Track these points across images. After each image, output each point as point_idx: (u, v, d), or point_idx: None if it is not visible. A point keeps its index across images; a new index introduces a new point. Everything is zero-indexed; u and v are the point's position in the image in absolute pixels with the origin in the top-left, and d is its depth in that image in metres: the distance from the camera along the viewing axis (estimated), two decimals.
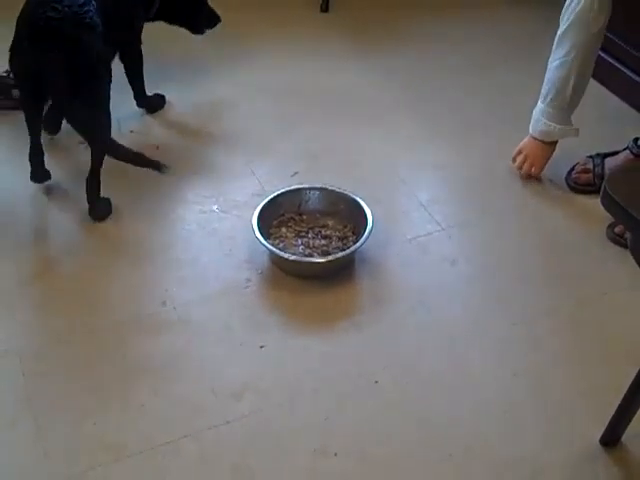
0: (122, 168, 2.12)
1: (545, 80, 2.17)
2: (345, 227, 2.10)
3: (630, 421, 1.55)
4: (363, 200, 2.08)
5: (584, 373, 1.78)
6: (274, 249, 1.98)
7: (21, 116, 2.12)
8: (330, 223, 2.11)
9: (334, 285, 1.98)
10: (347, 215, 2.11)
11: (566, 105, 2.16)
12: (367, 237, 2.00)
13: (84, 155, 2.15)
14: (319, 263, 1.99)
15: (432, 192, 2.29)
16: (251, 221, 2.02)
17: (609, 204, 1.33)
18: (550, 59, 2.15)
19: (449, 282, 2.01)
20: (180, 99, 2.59)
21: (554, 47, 2.13)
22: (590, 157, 2.28)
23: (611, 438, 1.58)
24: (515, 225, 2.17)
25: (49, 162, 2.22)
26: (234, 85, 2.67)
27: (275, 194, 2.12)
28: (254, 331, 1.86)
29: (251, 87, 2.66)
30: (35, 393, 1.70)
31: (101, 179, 2.10)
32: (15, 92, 2.47)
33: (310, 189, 2.15)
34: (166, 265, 2.02)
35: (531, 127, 2.23)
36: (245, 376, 1.76)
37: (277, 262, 2.02)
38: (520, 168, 2.27)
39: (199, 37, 2.56)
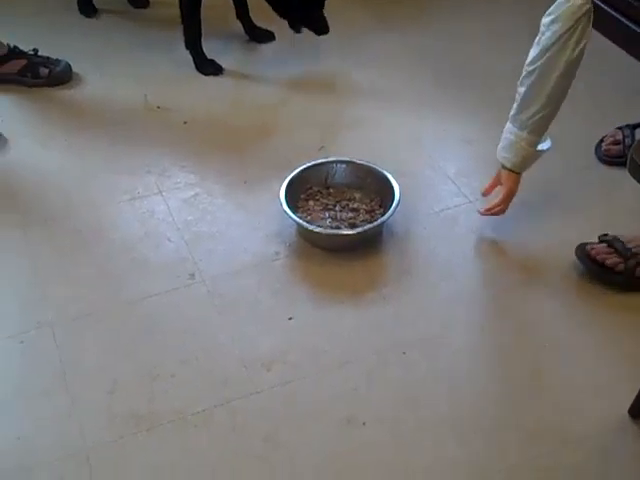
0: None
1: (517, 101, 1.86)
2: (372, 200, 2.10)
3: None
4: (390, 174, 2.08)
5: (612, 341, 1.77)
6: (302, 222, 1.99)
7: (49, 92, 2.14)
8: (357, 196, 2.11)
9: (362, 258, 1.98)
10: (374, 188, 2.11)
11: (540, 128, 1.87)
12: (394, 210, 2.00)
13: None
14: (347, 235, 1.99)
15: (460, 165, 2.28)
16: (279, 195, 2.03)
17: (636, 172, 1.32)
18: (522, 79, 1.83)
19: (476, 254, 2.01)
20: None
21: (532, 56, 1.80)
22: (619, 128, 2.25)
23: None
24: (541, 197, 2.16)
25: None
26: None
27: (302, 167, 2.12)
28: (283, 303, 1.87)
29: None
30: (69, 364, 1.73)
31: None
32: (43, 70, 2.50)
33: (337, 162, 2.15)
34: (194, 239, 2.03)
35: (512, 164, 1.92)
36: (274, 347, 1.77)
37: (305, 235, 2.03)
38: (491, 209, 2.00)
39: None
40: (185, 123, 2.39)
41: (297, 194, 2.10)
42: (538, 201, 2.13)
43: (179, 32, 2.56)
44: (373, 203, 2.10)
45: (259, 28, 2.75)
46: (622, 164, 2.15)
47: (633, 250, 1.87)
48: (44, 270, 1.95)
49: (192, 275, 1.93)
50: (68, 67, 2.54)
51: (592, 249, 1.90)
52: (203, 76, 2.59)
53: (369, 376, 1.71)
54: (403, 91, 2.55)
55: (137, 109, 2.46)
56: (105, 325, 1.82)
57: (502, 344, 1.79)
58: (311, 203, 2.10)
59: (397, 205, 2.01)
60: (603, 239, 1.92)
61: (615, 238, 1.91)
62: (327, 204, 2.10)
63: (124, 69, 2.63)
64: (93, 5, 2.88)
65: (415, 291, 1.90)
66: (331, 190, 2.14)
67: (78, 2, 2.86)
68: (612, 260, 1.87)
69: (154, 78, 2.59)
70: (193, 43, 2.58)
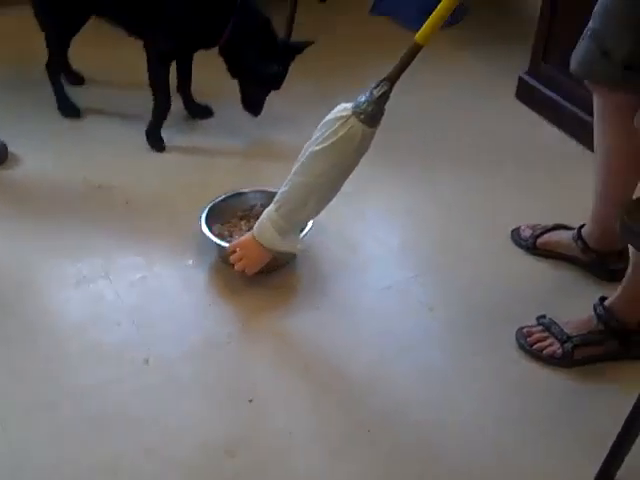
0: None
1: (284, 189, 1.95)
2: None
3: (623, 461, 1.58)
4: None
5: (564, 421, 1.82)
6: (213, 238, 2.11)
7: None
8: None
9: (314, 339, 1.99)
10: None
11: (298, 223, 2.03)
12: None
13: None
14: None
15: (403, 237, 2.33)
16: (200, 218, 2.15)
17: (629, 236, 1.34)
18: (296, 169, 1.93)
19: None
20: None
21: (304, 158, 1.91)
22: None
23: (605, 478, 1.61)
24: None
25: None
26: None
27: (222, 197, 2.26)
28: (242, 386, 1.86)
29: None
30: (22, 460, 1.67)
31: None
32: None
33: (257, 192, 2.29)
34: (144, 323, 2.00)
35: (256, 228, 2.02)
36: (236, 432, 1.75)
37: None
38: (234, 264, 2.07)
39: None
40: (127, 203, 2.37)
41: (235, 210, 2.25)
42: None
43: (116, 109, 2.56)
44: None
45: (198, 104, 2.76)
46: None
47: (569, 334, 1.92)
48: None
49: (146, 360, 1.89)
50: (4, 147, 2.50)
51: (529, 334, 1.96)
52: (143, 153, 2.58)
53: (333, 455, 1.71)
54: None
55: (76, 189, 2.42)
56: (59, 416, 1.76)
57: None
58: (243, 222, 2.24)
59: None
60: (541, 322, 1.99)
61: (552, 321, 1.97)
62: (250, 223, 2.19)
63: (61, 147, 2.60)
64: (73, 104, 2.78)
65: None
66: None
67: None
68: (548, 350, 1.93)
69: (93, 156, 2.56)
70: (161, 114, 2.59)
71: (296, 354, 1.96)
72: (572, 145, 2.71)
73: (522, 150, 2.69)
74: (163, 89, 2.56)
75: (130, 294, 2.08)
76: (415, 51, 1.83)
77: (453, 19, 3.38)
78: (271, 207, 1.99)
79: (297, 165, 1.93)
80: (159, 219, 2.33)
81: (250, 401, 1.81)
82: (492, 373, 1.90)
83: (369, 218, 2.40)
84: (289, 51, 2.44)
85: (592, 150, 2.02)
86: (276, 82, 2.51)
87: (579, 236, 2.16)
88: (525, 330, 1.97)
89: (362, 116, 1.84)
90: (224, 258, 2.12)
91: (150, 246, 2.23)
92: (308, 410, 1.81)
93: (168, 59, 2.55)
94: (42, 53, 2.67)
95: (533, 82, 2.87)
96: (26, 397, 1.80)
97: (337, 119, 1.86)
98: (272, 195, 2.03)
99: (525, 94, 2.91)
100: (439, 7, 1.79)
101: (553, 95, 2.79)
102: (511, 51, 3.17)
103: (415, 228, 2.35)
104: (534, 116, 2.87)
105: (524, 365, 1.92)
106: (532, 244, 2.25)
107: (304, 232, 2.10)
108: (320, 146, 1.88)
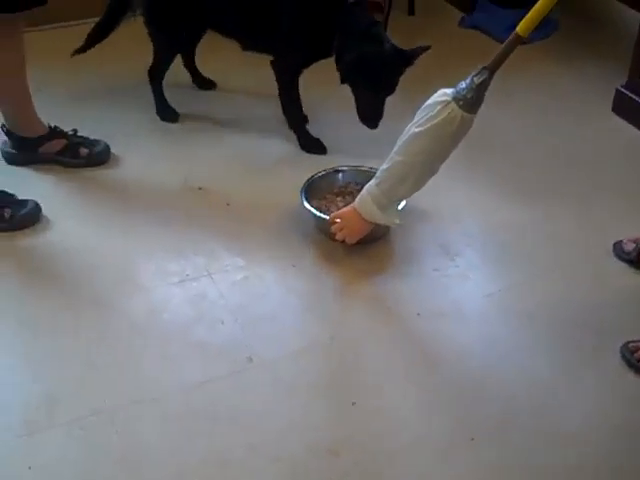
0: None
1: (385, 167, 2.06)
2: None
3: None
4: None
5: None
6: (314, 210, 2.24)
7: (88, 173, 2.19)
8: None
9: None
10: None
11: (396, 199, 2.11)
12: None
13: None
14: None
15: None
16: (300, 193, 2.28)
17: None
18: (397, 148, 2.03)
19: None
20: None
21: (405, 138, 2.00)
22: None
23: None
24: None
25: None
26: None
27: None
28: (344, 388, 1.88)
29: None
30: (130, 451, 1.70)
31: None
32: (82, 150, 2.51)
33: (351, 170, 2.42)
34: (248, 322, 2.03)
35: (358, 201, 2.13)
36: (340, 432, 1.76)
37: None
38: (335, 234, 2.18)
39: None
40: (228, 205, 2.40)
41: (330, 187, 2.38)
42: None
43: (219, 116, 2.60)
44: None
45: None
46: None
47: None
48: (99, 354, 1.92)
49: (250, 359, 1.91)
50: (107, 148, 2.56)
51: (636, 349, 1.92)
52: (242, 156, 2.61)
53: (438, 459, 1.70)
54: None
55: (177, 190, 2.47)
56: (167, 410, 1.80)
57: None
58: (338, 198, 2.35)
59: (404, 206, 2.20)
60: None
61: None
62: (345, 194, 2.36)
63: (162, 150, 2.66)
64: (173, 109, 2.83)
65: None
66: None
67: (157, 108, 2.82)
68: None
69: (193, 159, 2.60)
70: (297, 123, 2.63)
71: (400, 355, 1.96)
72: None
73: (620, 163, 2.65)
74: (294, 101, 2.61)
75: (233, 293, 2.11)
76: (516, 42, 1.88)
77: (544, 33, 3.36)
78: (372, 182, 2.10)
79: (398, 145, 2.03)
80: (259, 221, 2.35)
81: (353, 404, 1.82)
82: (601, 385, 1.88)
83: (466, 228, 2.38)
84: (403, 57, 2.38)
85: None
86: (389, 87, 2.42)
87: None
88: (631, 345, 1.94)
89: (461, 102, 1.91)
90: (323, 230, 2.25)
91: (251, 247, 2.26)
92: (412, 413, 1.81)
93: (296, 73, 2.57)
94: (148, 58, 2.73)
95: (632, 95, 2.83)
96: (134, 392, 1.83)
97: (437, 103, 1.94)
98: (365, 173, 2.30)
99: (623, 107, 2.87)
100: (541, 1, 1.83)
101: None
102: (604, 66, 3.13)
103: (512, 241, 2.33)
104: (633, 130, 2.82)
105: (631, 379, 1.89)
106: (636, 257, 2.22)
107: (400, 207, 2.18)
108: (420, 128, 1.96)
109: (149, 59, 2.72)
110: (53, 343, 1.95)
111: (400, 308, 2.09)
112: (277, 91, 2.62)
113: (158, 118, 2.79)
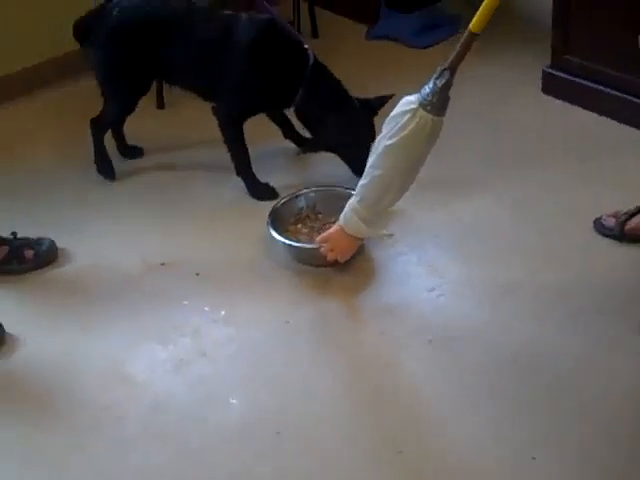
0: None
1: (363, 182, 2.05)
2: None
3: None
4: None
5: None
6: (293, 243, 2.26)
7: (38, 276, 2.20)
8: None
9: None
10: None
11: (380, 211, 2.09)
12: None
13: None
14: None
15: None
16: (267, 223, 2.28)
17: None
18: (372, 162, 2.02)
19: None
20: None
21: (379, 151, 2.00)
22: None
23: None
24: None
25: None
26: None
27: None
28: None
29: None
30: None
31: None
32: (28, 253, 2.33)
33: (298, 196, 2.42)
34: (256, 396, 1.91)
35: (342, 220, 2.11)
36: None
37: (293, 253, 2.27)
38: (326, 256, 2.17)
39: None
40: (197, 275, 2.26)
41: (286, 220, 2.36)
42: None
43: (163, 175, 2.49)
44: None
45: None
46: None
47: None
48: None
49: (278, 433, 1.80)
50: (52, 244, 2.37)
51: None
52: (197, 217, 2.49)
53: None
54: None
55: (139, 271, 2.30)
56: None
57: None
58: (299, 226, 2.36)
59: None
60: None
61: None
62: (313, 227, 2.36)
63: (111, 231, 2.46)
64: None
65: None
66: (319, 215, 2.39)
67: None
68: None
69: (146, 232, 2.44)
70: (245, 169, 2.55)
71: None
72: (613, 126, 2.69)
73: (570, 142, 2.66)
74: (238, 147, 2.54)
75: (233, 366, 1.99)
76: (471, 40, 1.91)
77: (449, 31, 3.31)
78: (353, 200, 2.08)
79: (372, 158, 2.03)
80: (236, 281, 2.24)
81: (400, 452, 1.73)
82: None
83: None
84: (369, 108, 2.47)
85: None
86: (372, 137, 2.33)
87: None
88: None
89: (429, 107, 1.92)
90: (302, 259, 2.26)
91: (235, 312, 2.14)
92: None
93: (238, 121, 2.52)
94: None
95: (559, 73, 2.84)
96: None
97: (405, 112, 1.95)
98: (316, 193, 2.40)
99: (552, 87, 2.88)
100: None
101: (583, 82, 2.77)
102: (524, 51, 3.12)
103: (486, 234, 2.32)
104: (567, 105, 2.83)
105: None
106: (620, 232, 2.20)
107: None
108: (392, 140, 1.96)
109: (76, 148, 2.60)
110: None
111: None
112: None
113: (98, 201, 2.59)
